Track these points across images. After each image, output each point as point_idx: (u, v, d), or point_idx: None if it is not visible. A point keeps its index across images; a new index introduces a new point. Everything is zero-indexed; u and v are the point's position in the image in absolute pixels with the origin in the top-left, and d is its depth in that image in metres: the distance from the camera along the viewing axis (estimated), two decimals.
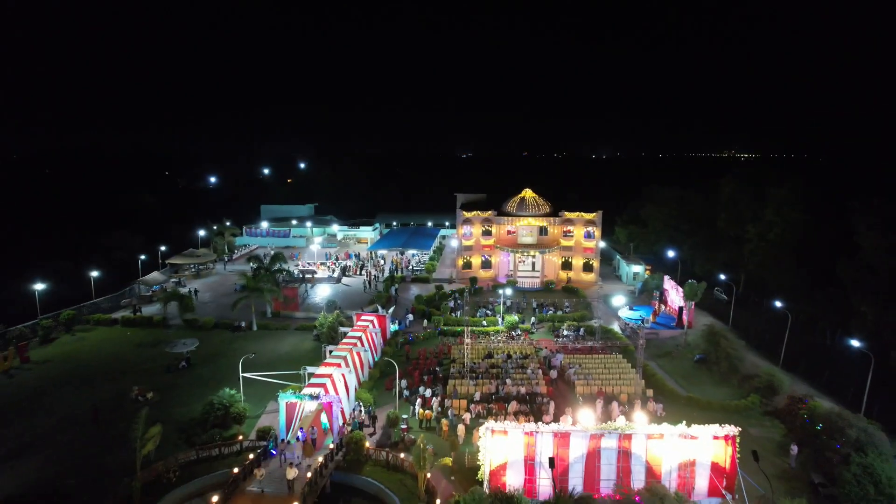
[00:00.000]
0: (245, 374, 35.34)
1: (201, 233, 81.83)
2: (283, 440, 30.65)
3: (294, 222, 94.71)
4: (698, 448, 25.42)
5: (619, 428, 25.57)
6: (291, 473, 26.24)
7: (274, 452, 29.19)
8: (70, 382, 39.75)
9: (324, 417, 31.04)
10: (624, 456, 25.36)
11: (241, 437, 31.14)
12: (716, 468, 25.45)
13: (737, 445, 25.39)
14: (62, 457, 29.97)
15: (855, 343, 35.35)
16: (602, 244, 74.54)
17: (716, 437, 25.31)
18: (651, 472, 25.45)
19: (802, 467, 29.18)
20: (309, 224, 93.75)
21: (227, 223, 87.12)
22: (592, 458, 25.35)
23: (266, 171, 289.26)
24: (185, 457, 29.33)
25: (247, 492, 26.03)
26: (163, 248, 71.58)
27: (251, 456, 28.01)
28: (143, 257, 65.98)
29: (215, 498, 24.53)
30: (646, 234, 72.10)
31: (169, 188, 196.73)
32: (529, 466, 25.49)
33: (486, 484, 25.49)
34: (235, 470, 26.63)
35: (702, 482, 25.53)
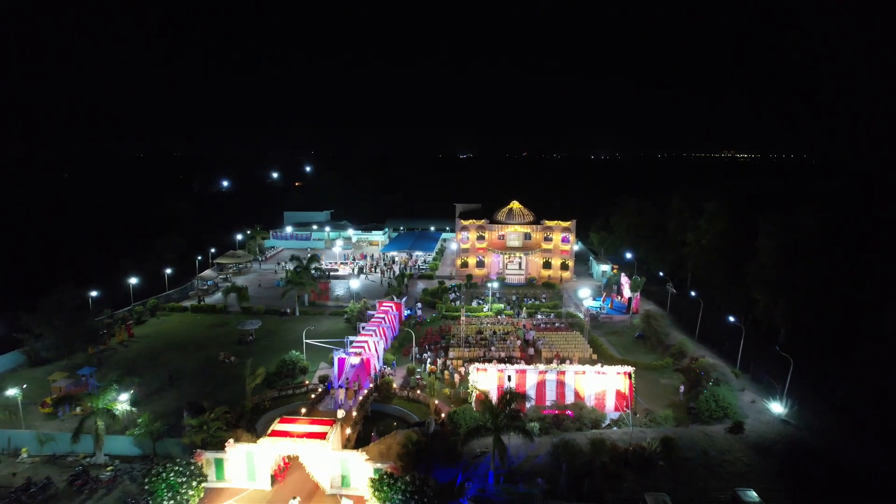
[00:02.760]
0: (307, 341, 49.78)
1: (238, 237, 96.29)
2: (336, 387, 44.89)
3: (314, 227, 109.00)
4: (608, 380, 39.79)
5: (557, 367, 40.03)
6: (341, 413, 40.27)
7: (329, 389, 43.55)
8: (171, 349, 54.24)
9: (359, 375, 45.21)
10: (560, 385, 39.79)
11: (307, 383, 45.61)
12: (619, 394, 39.80)
13: (632, 379, 39.70)
14: (187, 394, 44.40)
15: (731, 318, 49.68)
16: (580, 246, 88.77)
17: (618, 373, 39.68)
18: (577, 396, 39.85)
19: (686, 399, 43.58)
20: (327, 229, 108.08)
21: (258, 228, 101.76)
22: (541, 386, 39.77)
23: (274, 174, 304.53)
24: (271, 394, 43.74)
25: (320, 410, 40.36)
26: (213, 250, 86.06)
27: (320, 388, 42.49)
28: (199, 258, 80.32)
29: (303, 410, 38.91)
30: (613, 239, 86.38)
31: (184, 191, 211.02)
32: (500, 392, 39.78)
33: (473, 402, 39.85)
34: (313, 395, 41.11)
35: (610, 402, 39.89)
